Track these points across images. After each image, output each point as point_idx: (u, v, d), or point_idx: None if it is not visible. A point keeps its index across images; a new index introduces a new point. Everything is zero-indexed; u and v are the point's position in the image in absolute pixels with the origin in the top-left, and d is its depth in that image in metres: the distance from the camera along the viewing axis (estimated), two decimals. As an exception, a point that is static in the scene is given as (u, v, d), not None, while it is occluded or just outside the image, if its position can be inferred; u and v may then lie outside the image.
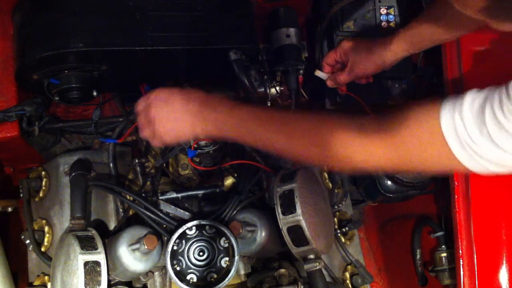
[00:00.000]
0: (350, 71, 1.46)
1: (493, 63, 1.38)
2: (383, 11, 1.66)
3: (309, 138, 1.05)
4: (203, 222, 1.31)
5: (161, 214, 1.36)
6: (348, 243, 1.63)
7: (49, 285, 1.45)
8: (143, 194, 1.42)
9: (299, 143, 1.06)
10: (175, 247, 1.30)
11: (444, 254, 1.61)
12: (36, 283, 1.47)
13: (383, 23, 1.65)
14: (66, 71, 1.43)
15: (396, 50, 1.38)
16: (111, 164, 1.55)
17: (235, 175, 1.53)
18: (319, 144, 1.02)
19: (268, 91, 1.50)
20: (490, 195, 1.30)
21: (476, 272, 1.30)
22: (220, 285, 1.28)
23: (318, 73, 1.56)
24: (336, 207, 1.63)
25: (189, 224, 1.31)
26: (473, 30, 1.27)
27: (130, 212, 1.48)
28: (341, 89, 1.58)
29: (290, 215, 1.23)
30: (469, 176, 1.32)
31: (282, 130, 1.08)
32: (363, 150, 0.96)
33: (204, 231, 1.33)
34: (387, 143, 0.92)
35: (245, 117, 1.10)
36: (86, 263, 1.22)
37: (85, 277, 1.21)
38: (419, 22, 1.31)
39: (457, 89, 1.38)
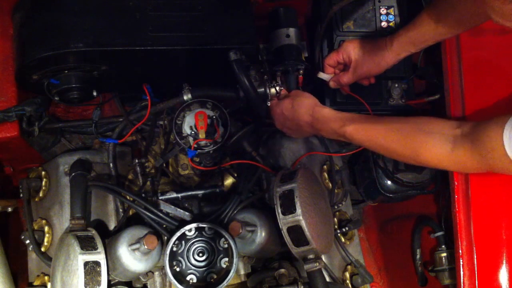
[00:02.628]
0: (354, 73, 1.47)
1: (493, 63, 1.38)
2: (383, 11, 1.66)
3: (406, 138, 1.22)
4: (201, 225, 1.31)
5: (161, 214, 1.36)
6: (348, 243, 1.63)
7: (49, 285, 1.45)
8: (143, 194, 1.42)
9: (396, 145, 1.23)
10: (174, 248, 1.30)
11: (444, 254, 1.61)
12: (36, 283, 1.47)
13: (383, 23, 1.65)
14: (66, 71, 1.43)
15: (398, 51, 1.38)
16: (111, 164, 1.55)
17: (235, 175, 1.53)
18: (414, 151, 1.21)
19: (268, 91, 1.50)
20: (490, 195, 1.30)
21: (476, 272, 1.30)
22: (220, 285, 1.28)
23: (321, 75, 1.57)
24: (336, 207, 1.63)
25: (188, 227, 1.30)
26: (473, 26, 1.27)
27: (130, 212, 1.48)
28: (344, 89, 1.59)
29: (290, 215, 1.23)
30: (469, 176, 1.32)
31: (383, 128, 1.25)
32: (455, 164, 1.18)
33: (203, 232, 1.33)
34: (475, 159, 1.12)
35: (353, 132, 1.28)
36: (86, 263, 1.22)
37: (85, 277, 1.21)
38: (420, 22, 1.31)
39: (457, 89, 1.38)
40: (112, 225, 1.51)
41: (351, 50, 1.47)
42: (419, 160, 1.22)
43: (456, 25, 1.26)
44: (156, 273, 1.40)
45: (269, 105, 1.50)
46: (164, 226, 1.37)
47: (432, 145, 1.18)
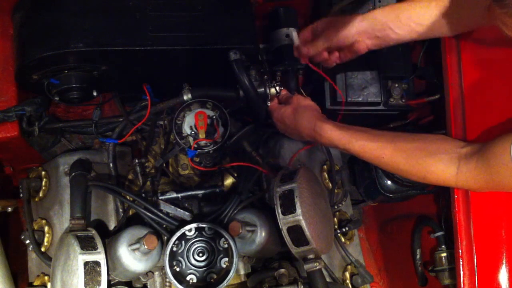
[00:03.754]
0: (318, 40, 1.42)
1: (493, 63, 1.38)
2: (383, 11, 1.66)
3: (412, 159, 1.21)
4: (201, 225, 1.31)
5: (161, 214, 1.36)
6: (348, 243, 1.63)
7: (49, 285, 1.45)
8: (143, 194, 1.42)
9: (403, 166, 1.23)
10: (174, 248, 1.30)
11: (444, 254, 1.61)
12: (36, 283, 1.47)
13: (383, 23, 1.65)
14: (66, 71, 1.43)
15: (376, 15, 1.32)
16: (111, 164, 1.55)
17: (235, 175, 1.53)
18: (421, 172, 1.21)
19: (268, 91, 1.50)
20: (490, 195, 1.30)
21: (476, 272, 1.30)
22: (220, 285, 1.28)
23: (293, 35, 1.52)
24: (336, 207, 1.63)
25: (187, 227, 1.30)
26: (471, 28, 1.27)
27: (130, 212, 1.48)
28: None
29: (290, 215, 1.23)
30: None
31: (389, 147, 1.25)
32: (461, 184, 1.18)
33: (203, 232, 1.33)
34: (481, 177, 1.13)
35: (359, 151, 1.29)
36: (86, 263, 1.22)
37: (85, 277, 1.21)
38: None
39: (457, 89, 1.38)
40: (112, 225, 1.51)
41: (327, 18, 1.42)
42: (426, 181, 1.23)
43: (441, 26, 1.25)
44: (156, 273, 1.40)
45: (269, 105, 1.50)
46: (164, 226, 1.37)
47: (438, 166, 1.19)
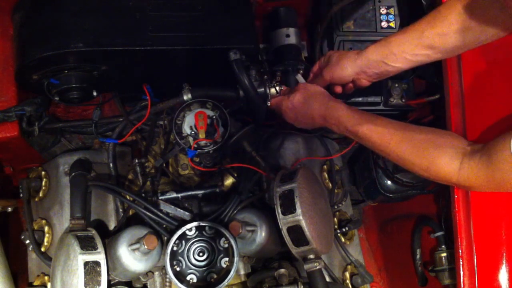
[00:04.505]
0: (322, 75, 1.44)
1: (493, 63, 1.38)
2: (383, 11, 1.66)
3: (418, 149, 1.21)
4: (202, 224, 1.31)
5: (161, 214, 1.36)
6: (348, 243, 1.63)
7: (49, 285, 1.45)
8: (143, 194, 1.42)
9: (408, 155, 1.23)
10: (174, 248, 1.30)
11: (444, 254, 1.61)
12: (36, 283, 1.47)
13: (383, 23, 1.66)
14: (66, 71, 1.43)
15: (369, 55, 1.33)
16: (111, 164, 1.55)
17: (235, 175, 1.53)
18: (424, 164, 1.20)
19: (268, 91, 1.50)
20: (490, 195, 1.30)
21: (476, 272, 1.30)
22: (220, 285, 1.28)
23: (299, 77, 1.56)
24: (336, 207, 1.63)
25: (188, 226, 1.31)
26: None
27: (130, 212, 1.48)
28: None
29: (290, 215, 1.23)
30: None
31: (398, 134, 1.24)
32: (463, 181, 1.17)
33: (204, 232, 1.33)
34: (483, 174, 1.12)
35: (366, 133, 1.28)
36: (86, 263, 1.22)
37: (85, 277, 1.21)
38: (404, 31, 1.28)
39: (457, 89, 1.38)
40: (112, 225, 1.51)
41: (328, 56, 1.44)
42: (428, 173, 1.22)
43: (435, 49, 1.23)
44: (156, 273, 1.40)
45: (269, 105, 1.50)
46: (164, 226, 1.37)
47: (442, 159, 1.18)
